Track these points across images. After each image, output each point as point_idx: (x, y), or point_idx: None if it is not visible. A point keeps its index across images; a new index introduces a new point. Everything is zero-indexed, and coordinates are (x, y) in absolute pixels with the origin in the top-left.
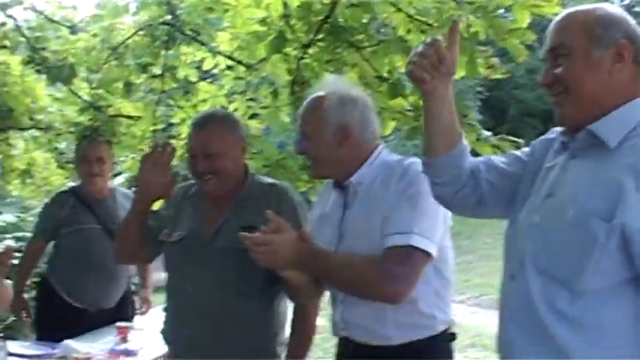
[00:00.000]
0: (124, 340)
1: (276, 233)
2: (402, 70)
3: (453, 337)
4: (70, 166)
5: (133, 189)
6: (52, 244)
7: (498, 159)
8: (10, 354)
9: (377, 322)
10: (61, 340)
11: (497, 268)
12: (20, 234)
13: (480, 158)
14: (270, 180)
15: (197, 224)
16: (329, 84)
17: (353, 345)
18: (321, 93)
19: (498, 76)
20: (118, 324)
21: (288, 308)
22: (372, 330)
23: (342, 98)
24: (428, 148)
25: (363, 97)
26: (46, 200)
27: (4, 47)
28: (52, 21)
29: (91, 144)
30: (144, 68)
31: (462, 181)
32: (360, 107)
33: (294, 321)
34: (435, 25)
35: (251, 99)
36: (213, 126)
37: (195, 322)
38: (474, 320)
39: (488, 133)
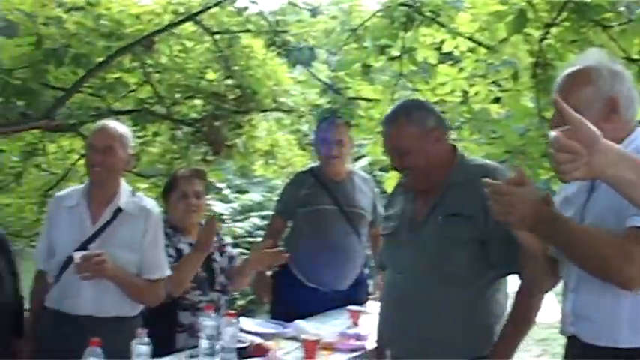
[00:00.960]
0: (356, 323)
1: (519, 186)
2: None
3: None
4: (311, 148)
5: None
6: (290, 223)
7: None
8: (242, 330)
9: (609, 318)
10: (293, 319)
11: None
12: (265, 213)
13: None
14: (480, 161)
15: (407, 214)
16: (592, 55)
17: (580, 344)
18: (588, 64)
19: None
20: (351, 307)
21: (508, 298)
22: (601, 326)
23: (611, 70)
24: None
25: (628, 73)
26: (287, 180)
27: (248, 31)
28: (293, 4)
29: (331, 126)
30: (382, 50)
31: None
32: (628, 82)
33: (513, 310)
34: None
35: (492, 82)
36: (398, 124)
37: (404, 311)
38: None
39: None
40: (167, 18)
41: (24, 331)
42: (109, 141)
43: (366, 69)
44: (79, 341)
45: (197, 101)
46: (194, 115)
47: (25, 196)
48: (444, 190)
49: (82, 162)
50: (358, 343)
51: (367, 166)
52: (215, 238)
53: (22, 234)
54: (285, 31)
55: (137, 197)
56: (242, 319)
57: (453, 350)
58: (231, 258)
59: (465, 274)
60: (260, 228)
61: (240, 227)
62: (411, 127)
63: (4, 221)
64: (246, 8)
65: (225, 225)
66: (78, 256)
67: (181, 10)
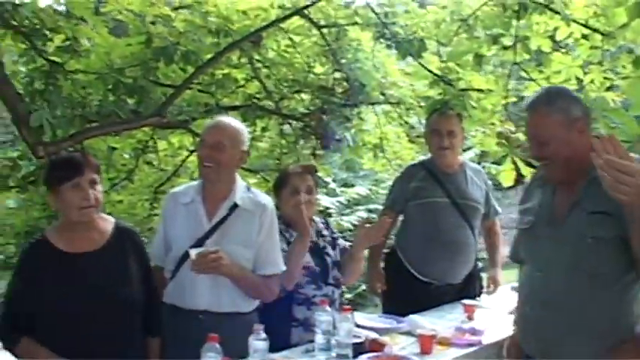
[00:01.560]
0: (470, 318)
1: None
2: None
3: None
4: (421, 140)
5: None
6: (401, 216)
7: None
8: (357, 325)
9: None
10: (405, 313)
11: None
12: (372, 206)
13: None
14: None
15: (545, 208)
16: None
17: None
18: None
19: None
20: (465, 301)
21: None
22: None
23: None
24: None
25: None
26: (397, 173)
27: (355, 24)
28: None
29: (442, 117)
30: (494, 39)
31: None
32: None
33: None
34: None
35: (608, 69)
36: (539, 111)
37: (542, 308)
38: None
39: None
40: (274, 13)
41: (157, 329)
42: (220, 137)
43: (478, 59)
44: (196, 336)
45: (305, 95)
46: (302, 110)
47: (137, 192)
48: (585, 184)
49: (192, 158)
50: (474, 338)
51: (474, 158)
52: (326, 232)
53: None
54: (393, 23)
55: (252, 193)
56: (356, 313)
57: (593, 351)
58: (344, 250)
59: (609, 273)
60: (368, 222)
61: (346, 221)
62: (554, 115)
63: (116, 217)
64: (353, 1)
65: (332, 219)
66: (194, 253)
67: (288, 4)
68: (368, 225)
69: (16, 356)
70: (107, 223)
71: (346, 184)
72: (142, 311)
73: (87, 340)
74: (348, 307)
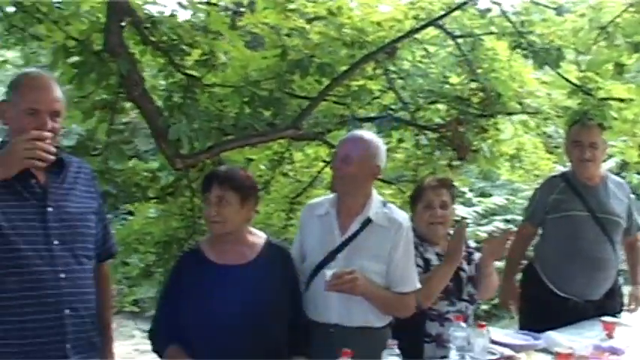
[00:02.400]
0: (610, 336)
1: None
2: None
3: None
4: (559, 150)
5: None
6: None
7: None
8: (492, 341)
9: None
10: (542, 329)
11: None
12: (509, 216)
13: None
14: None
15: None
16: None
17: None
18: None
19: None
20: (604, 318)
21: None
22: None
23: None
24: None
25: None
26: (537, 184)
27: (491, 33)
28: (538, 4)
29: (584, 129)
30: (635, 47)
31: None
32: None
33: None
34: None
35: None
36: None
37: None
38: None
39: None
40: (408, 24)
41: (302, 348)
42: (349, 151)
43: (618, 68)
44: (328, 350)
45: (441, 106)
46: (438, 120)
47: (273, 203)
48: None
49: (327, 169)
50: (614, 357)
51: (615, 167)
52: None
53: None
54: (530, 32)
55: (388, 208)
56: (491, 329)
57: None
58: (478, 266)
59: None
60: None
61: (483, 231)
62: None
63: (253, 227)
64: (489, 10)
65: (469, 229)
66: (329, 274)
67: (422, 15)
68: (493, 239)
69: None
70: (258, 238)
71: (483, 194)
72: (289, 328)
73: (232, 352)
74: (483, 323)
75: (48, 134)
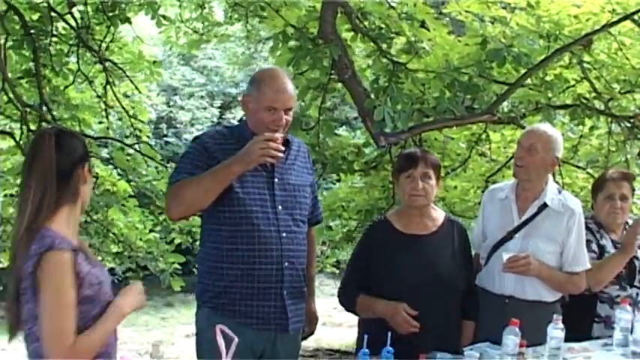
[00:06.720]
0: None
1: None
2: None
3: None
4: None
5: None
6: None
7: None
8: None
9: None
10: None
11: None
12: None
13: None
14: None
15: None
16: None
17: None
18: None
19: None
20: None
21: None
22: None
23: None
24: None
25: None
26: None
27: None
28: None
29: None
30: None
31: None
32: None
33: None
34: None
35: None
36: None
37: None
38: None
39: None
40: (604, 17)
41: (473, 314)
42: (534, 141)
43: None
44: (501, 319)
45: (637, 95)
46: (633, 109)
47: (470, 180)
48: None
49: None
50: None
51: None
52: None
53: (465, 214)
54: None
55: (563, 196)
56: None
57: None
58: None
59: None
60: None
61: None
62: None
63: (449, 202)
64: None
65: None
66: (506, 257)
67: (618, 9)
68: None
69: (356, 314)
70: (439, 213)
71: None
72: (462, 295)
73: (415, 309)
74: None
75: (279, 136)
